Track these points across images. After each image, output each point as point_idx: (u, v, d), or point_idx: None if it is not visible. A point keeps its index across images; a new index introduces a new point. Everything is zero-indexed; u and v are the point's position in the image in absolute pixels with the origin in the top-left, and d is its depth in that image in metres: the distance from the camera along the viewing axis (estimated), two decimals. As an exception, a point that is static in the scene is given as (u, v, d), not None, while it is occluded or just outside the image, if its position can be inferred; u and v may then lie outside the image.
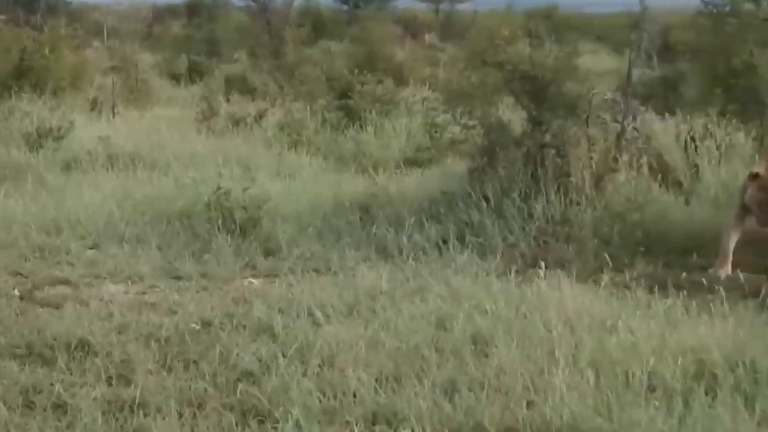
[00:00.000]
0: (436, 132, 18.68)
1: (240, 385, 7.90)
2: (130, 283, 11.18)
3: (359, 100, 21.23)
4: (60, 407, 7.65)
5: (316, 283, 10.67)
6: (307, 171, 17.21)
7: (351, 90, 21.59)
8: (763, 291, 9.74)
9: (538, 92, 13.67)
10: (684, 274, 10.64)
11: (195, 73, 33.27)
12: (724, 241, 11.47)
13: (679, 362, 7.86)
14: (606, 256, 11.54)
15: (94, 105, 24.43)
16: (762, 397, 7.18)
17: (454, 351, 8.43)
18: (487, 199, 12.88)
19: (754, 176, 11.38)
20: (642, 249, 11.99)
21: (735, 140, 15.13)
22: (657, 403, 7.25)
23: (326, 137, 20.36)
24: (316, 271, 11.52)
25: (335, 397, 7.65)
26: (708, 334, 8.31)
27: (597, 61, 32.41)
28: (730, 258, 11.30)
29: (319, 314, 9.34)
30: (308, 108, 22.13)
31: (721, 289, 9.31)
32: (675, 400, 7.31)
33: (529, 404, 7.44)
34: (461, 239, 12.17)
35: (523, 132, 13.66)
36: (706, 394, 7.34)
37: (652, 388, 7.59)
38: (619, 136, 13.91)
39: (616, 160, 13.61)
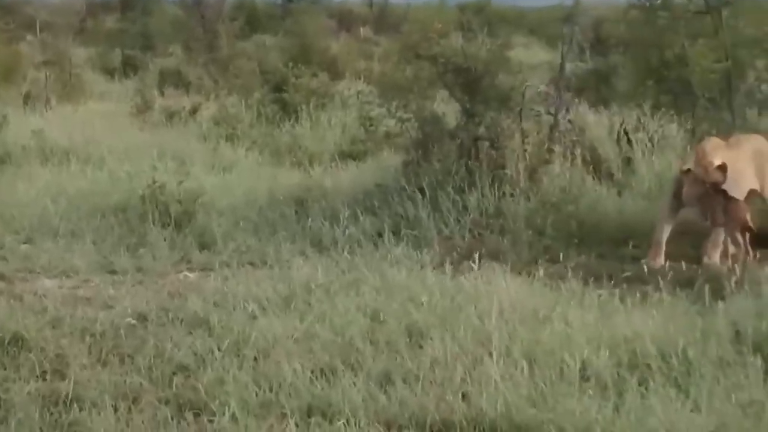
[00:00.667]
0: (371, 125, 18.68)
1: (175, 379, 7.89)
2: (64, 277, 11.10)
3: (294, 93, 21.18)
4: (-6, 402, 7.57)
5: (251, 277, 10.65)
6: (242, 165, 17.14)
7: (286, 84, 21.53)
8: (698, 281, 9.81)
9: (471, 85, 13.72)
10: (618, 265, 10.71)
11: (129, 67, 32.99)
12: (656, 233, 11.57)
13: (613, 353, 7.93)
14: (540, 247, 11.63)
15: (27, 99, 24.20)
16: (694, 386, 7.24)
17: (389, 343, 8.44)
18: (422, 192, 12.90)
19: (686, 172, 11.47)
20: (576, 240, 12.07)
21: (667, 132, 15.25)
22: (591, 393, 7.30)
23: (261, 131, 20.30)
24: (252, 264, 11.49)
25: (271, 390, 7.64)
26: (641, 325, 8.36)
27: (530, 54, 32.54)
28: (663, 249, 11.40)
29: (254, 307, 9.31)
30: (243, 102, 22.06)
31: (659, 279, 9.38)
32: (609, 390, 7.38)
33: (464, 395, 7.46)
34: (396, 232, 12.19)
35: (457, 125, 13.69)
36: (640, 383, 7.40)
37: (586, 378, 7.65)
38: (553, 128, 14.00)
39: (549, 152, 13.70)
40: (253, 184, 14.42)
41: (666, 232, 11.54)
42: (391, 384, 7.68)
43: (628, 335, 8.17)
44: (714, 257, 11.13)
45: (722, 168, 11.25)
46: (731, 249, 11.34)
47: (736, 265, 10.33)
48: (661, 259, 11.27)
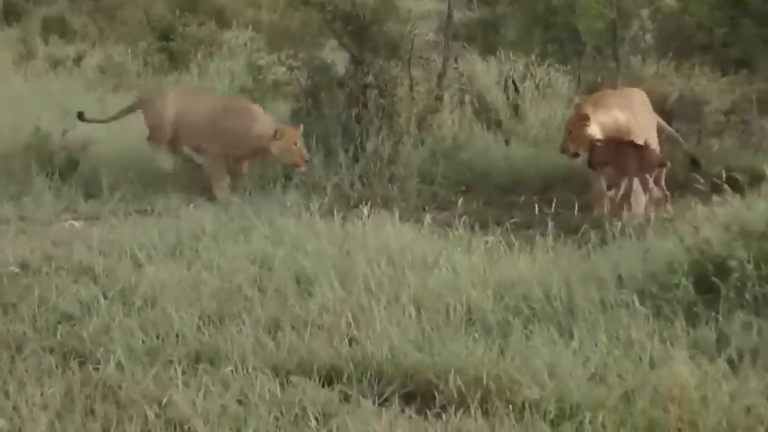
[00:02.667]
0: (259, 74, 18.49)
1: (60, 328, 7.77)
2: (-56, 227, 10.84)
3: (181, 42, 20.90)
4: None
5: (138, 225, 10.55)
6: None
7: (173, 32, 21.24)
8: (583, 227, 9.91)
9: (359, 33, 13.64)
10: (505, 211, 10.80)
11: (11, 15, 32.13)
12: (595, 186, 11.61)
13: (499, 297, 8.03)
14: (429, 195, 11.68)
15: None
16: (578, 328, 7.34)
17: (278, 290, 8.41)
18: (312, 140, 12.81)
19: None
20: (464, 188, 12.12)
21: (554, 80, 15.37)
22: (476, 336, 7.35)
23: (148, 80, 19.98)
24: (139, 213, 11.38)
25: (158, 337, 7.60)
26: (527, 270, 8.46)
27: (418, 3, 32.38)
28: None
29: (141, 256, 9.21)
30: (129, 51, 21.68)
31: (545, 225, 9.46)
32: (494, 333, 7.44)
33: (352, 341, 7.49)
34: (287, 179, 12.14)
35: (346, 73, 13.63)
36: (524, 326, 7.47)
37: (471, 322, 7.71)
38: (441, 76, 14.02)
39: (438, 100, 13.71)
40: (140, 134, 14.18)
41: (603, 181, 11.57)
42: (280, 330, 7.68)
43: (513, 280, 8.26)
44: (638, 208, 11.22)
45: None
46: (656, 193, 11.43)
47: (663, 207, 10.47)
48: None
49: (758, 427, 6.15)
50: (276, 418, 6.48)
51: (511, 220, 10.07)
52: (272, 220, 10.11)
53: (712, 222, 8.37)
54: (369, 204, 10.23)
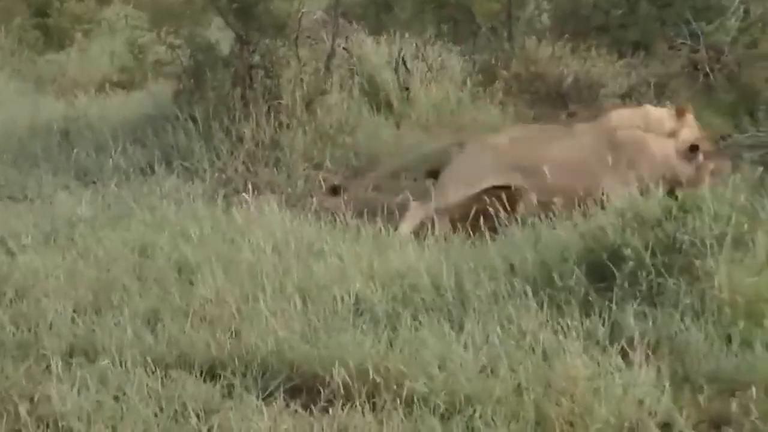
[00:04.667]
0: (140, 53, 18.04)
1: None
2: None
3: (58, 18, 20.32)
4: None
5: (11, 211, 10.15)
6: (2, 94, 16.33)
7: (49, 8, 20.65)
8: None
9: (245, 11, 13.28)
10: (395, 197, 10.61)
11: None
12: None
13: (388, 287, 7.82)
14: (317, 179, 11.44)
15: None
16: (469, 319, 7.16)
17: (158, 280, 8.13)
18: (194, 122, 12.47)
19: None
20: (353, 172, 11.92)
21: (447, 61, 15.21)
22: (364, 328, 7.14)
23: (23, 58, 19.42)
24: (11, 198, 10.97)
25: (30, 330, 7.31)
26: (416, 259, 8.25)
27: (308, -18, 32.19)
28: None
29: (13, 244, 8.86)
30: (3, 27, 21.01)
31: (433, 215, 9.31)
32: (382, 325, 7.23)
33: (235, 333, 7.25)
34: (168, 163, 11.81)
35: (231, 52, 13.28)
36: (414, 318, 7.27)
37: (359, 313, 7.50)
38: (330, 57, 13.76)
39: (326, 81, 13.45)
40: (13, 115, 13.73)
41: None
42: (160, 322, 7.43)
43: (402, 269, 8.05)
44: None
45: None
46: None
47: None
48: None
49: (650, 420, 6.02)
50: (155, 415, 6.25)
51: (401, 207, 9.88)
52: (152, 206, 9.80)
53: (606, 209, 8.25)
54: (253, 189, 9.97)
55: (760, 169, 9.16)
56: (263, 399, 6.45)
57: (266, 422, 6.12)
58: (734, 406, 6.19)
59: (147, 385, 6.52)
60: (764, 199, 8.40)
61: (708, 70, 13.56)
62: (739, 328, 6.94)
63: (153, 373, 6.69)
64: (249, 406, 6.29)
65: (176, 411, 6.28)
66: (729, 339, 6.91)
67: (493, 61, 15.03)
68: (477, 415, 6.07)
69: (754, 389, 6.20)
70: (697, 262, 7.40)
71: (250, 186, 10.19)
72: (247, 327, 7.25)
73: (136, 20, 19.09)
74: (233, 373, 6.75)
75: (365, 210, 9.70)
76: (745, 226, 7.69)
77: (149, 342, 7.13)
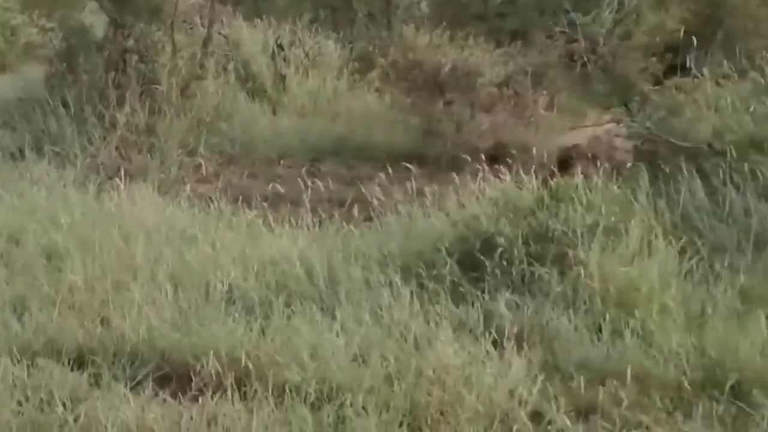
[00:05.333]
0: (12, 35, 17.61)
1: None
2: None
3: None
4: None
5: None
6: None
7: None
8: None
9: (120, -6, 13.07)
10: (270, 185, 10.53)
11: None
12: None
13: (260, 275, 7.76)
14: (191, 166, 11.30)
15: None
16: (341, 308, 7.14)
17: (26, 266, 7.98)
18: (66, 107, 12.21)
19: None
20: (228, 159, 11.81)
21: (324, 48, 15.14)
22: (237, 316, 7.09)
23: None
24: None
25: None
26: (289, 246, 8.19)
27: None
28: None
29: None
30: None
31: (307, 201, 9.24)
32: (255, 313, 7.18)
33: (105, 321, 7.13)
34: (38, 149, 11.54)
35: (105, 36, 13.03)
36: (287, 306, 7.23)
37: (232, 301, 7.44)
38: (206, 42, 13.60)
39: (202, 67, 13.29)
40: None
41: None
42: (27, 310, 7.27)
43: (275, 257, 7.99)
44: None
45: None
46: None
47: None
48: None
49: (521, 410, 6.05)
50: (19, 403, 6.13)
51: (276, 193, 9.80)
52: (21, 192, 9.60)
53: (479, 198, 8.28)
54: (126, 175, 9.80)
55: (633, 159, 9.30)
56: (132, 388, 6.36)
57: (134, 411, 6.00)
58: (606, 395, 6.25)
59: (12, 373, 6.37)
60: (637, 190, 8.54)
61: (584, 60, 13.70)
62: (610, 318, 7.02)
63: (19, 361, 6.53)
64: (117, 395, 6.19)
65: (42, 400, 6.15)
66: (600, 328, 6.99)
67: (370, 49, 15.00)
68: (348, 403, 6.04)
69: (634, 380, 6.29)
70: (569, 252, 7.47)
71: (122, 172, 10.01)
72: (116, 315, 7.13)
73: (7, 2, 18.58)
74: (102, 362, 6.63)
75: (240, 197, 9.58)
76: (618, 215, 7.80)
77: (16, 330, 6.99)
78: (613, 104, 12.10)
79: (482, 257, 7.55)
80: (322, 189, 9.97)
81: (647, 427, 6.00)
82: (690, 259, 7.70)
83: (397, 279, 7.43)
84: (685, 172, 8.71)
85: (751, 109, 9.29)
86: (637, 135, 9.94)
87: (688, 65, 10.96)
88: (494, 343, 6.63)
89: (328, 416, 6.00)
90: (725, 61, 10.61)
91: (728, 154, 8.71)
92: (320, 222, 9.02)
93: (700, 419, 5.98)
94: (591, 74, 13.23)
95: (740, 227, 8.20)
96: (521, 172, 8.75)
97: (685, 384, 6.29)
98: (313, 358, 6.45)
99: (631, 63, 12.20)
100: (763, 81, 9.84)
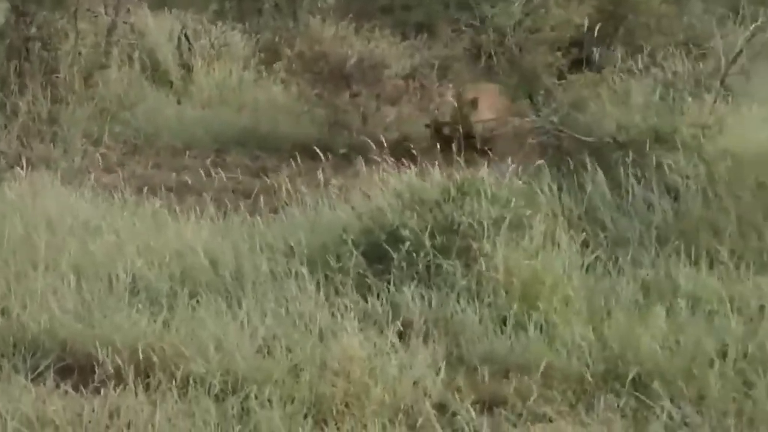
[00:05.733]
0: None
1: None
2: None
3: None
4: None
5: None
6: None
7: None
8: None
9: (19, -19, 12.85)
10: (175, 174, 10.45)
11: None
12: None
13: (165, 265, 7.68)
14: (95, 155, 11.16)
15: None
16: (246, 299, 7.10)
17: None
18: (-36, 95, 11.97)
19: None
20: (132, 149, 11.70)
21: (230, 39, 15.06)
22: (141, 307, 7.01)
23: None
24: None
25: None
26: (194, 237, 8.12)
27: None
28: None
29: None
30: None
31: (212, 190, 9.19)
32: (159, 304, 7.10)
33: (6, 311, 7.04)
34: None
35: (7, 23, 12.80)
36: (191, 297, 7.18)
37: (136, 292, 7.36)
38: (110, 31, 13.44)
39: (106, 55, 13.13)
40: None
41: None
42: None
43: (180, 248, 7.92)
44: None
45: None
46: None
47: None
48: None
49: (425, 401, 6.07)
50: None
51: (183, 183, 9.72)
52: None
53: (385, 190, 8.28)
54: (28, 164, 9.63)
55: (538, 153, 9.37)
56: (32, 379, 6.27)
57: (35, 403, 5.91)
58: (510, 387, 6.30)
59: None
60: (542, 183, 8.61)
61: (491, 53, 13.79)
62: (514, 311, 7.07)
63: None
64: (17, 386, 6.11)
65: (-59, 391, 6.01)
66: (504, 321, 7.04)
67: (276, 40, 14.97)
68: (253, 395, 6.02)
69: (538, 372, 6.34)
70: (474, 244, 7.51)
71: (24, 161, 9.82)
72: (18, 305, 7.03)
73: None
74: (2, 352, 6.55)
75: (144, 187, 9.48)
76: (523, 209, 7.86)
77: None
78: (519, 98, 12.17)
79: (388, 249, 7.56)
80: (228, 180, 9.91)
81: (550, 420, 6.05)
82: (593, 252, 7.79)
83: (303, 270, 7.41)
84: (589, 166, 8.81)
85: (653, 104, 9.42)
86: (542, 129, 10.01)
87: (592, 60, 11.10)
88: (400, 335, 6.66)
89: (233, 408, 5.97)
90: (629, 57, 10.75)
91: (632, 149, 8.82)
92: (226, 213, 8.96)
93: (602, 411, 6.03)
94: (497, 67, 13.33)
95: (643, 221, 8.33)
96: (427, 164, 8.77)
97: (588, 377, 6.37)
98: (218, 350, 6.40)
99: (537, 57, 12.28)
100: (664, 76, 9.99)
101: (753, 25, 10.13)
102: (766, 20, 10.04)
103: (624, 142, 8.97)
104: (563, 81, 10.93)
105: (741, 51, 9.98)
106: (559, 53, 12.14)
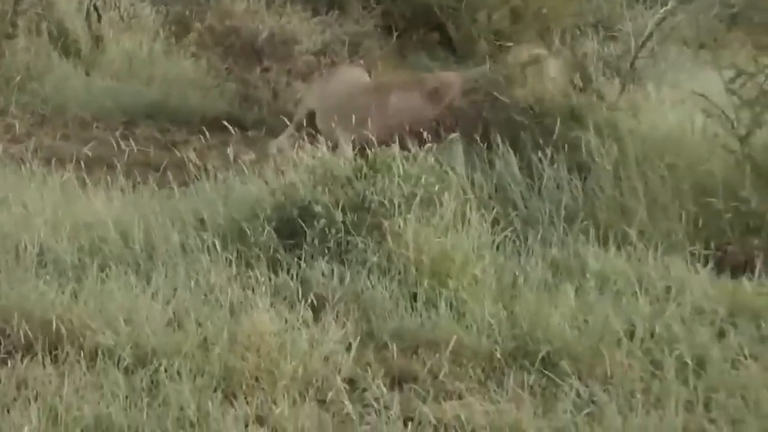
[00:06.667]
0: None
1: None
2: None
3: None
4: None
5: None
6: None
7: None
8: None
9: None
10: (83, 146, 10.32)
11: None
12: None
13: (74, 237, 7.60)
14: (2, 126, 11.01)
15: None
16: (157, 272, 7.07)
17: None
18: None
19: None
20: (40, 120, 11.54)
21: (140, 11, 14.90)
22: (48, 278, 6.93)
23: None
24: None
25: None
26: (104, 209, 8.03)
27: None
28: None
29: None
30: None
31: (122, 164, 9.09)
32: (68, 276, 7.05)
33: None
34: None
35: None
36: (101, 269, 7.11)
37: (44, 264, 7.28)
38: (17, 0, 13.22)
39: (13, 25, 12.91)
40: None
41: None
42: None
43: (89, 220, 7.83)
44: None
45: None
46: None
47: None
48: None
49: (336, 376, 6.08)
50: None
51: (90, 155, 9.60)
52: None
53: (298, 166, 8.27)
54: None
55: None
56: (-62, 352, 6.15)
57: (-62, 376, 5.83)
58: (420, 364, 6.34)
59: None
60: (453, 161, 8.65)
61: (403, 29, 13.89)
62: (425, 288, 7.11)
63: None
64: None
65: None
66: (414, 297, 7.07)
67: (187, 13, 14.84)
68: (162, 368, 5.98)
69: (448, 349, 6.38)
70: (385, 222, 7.53)
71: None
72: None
73: None
74: None
75: (53, 159, 9.35)
76: (434, 186, 7.89)
77: None
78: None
79: (300, 225, 7.56)
80: (137, 152, 9.82)
81: (460, 396, 6.10)
82: (503, 230, 7.85)
83: (215, 244, 7.39)
84: (501, 145, 8.87)
85: (564, 84, 9.49)
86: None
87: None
88: (312, 311, 6.67)
89: (142, 381, 5.92)
90: (541, 39, 10.85)
91: (543, 128, 8.90)
92: (135, 186, 8.88)
93: (511, 389, 6.09)
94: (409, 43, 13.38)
95: (552, 200, 8.39)
96: (340, 140, 8.78)
97: (497, 354, 6.42)
98: (128, 323, 6.35)
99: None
100: (574, 58, 10.09)
101: (663, 9, 10.24)
102: (676, 4, 10.14)
103: (535, 122, 9.02)
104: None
105: (651, 34, 10.08)
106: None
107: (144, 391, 5.87)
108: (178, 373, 5.98)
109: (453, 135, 9.28)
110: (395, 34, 14.50)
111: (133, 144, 9.83)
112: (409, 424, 5.71)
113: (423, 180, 7.87)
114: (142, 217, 7.91)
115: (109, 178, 8.87)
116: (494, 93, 9.42)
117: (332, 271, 7.22)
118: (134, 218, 7.82)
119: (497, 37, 13.99)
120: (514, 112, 9.22)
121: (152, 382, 5.96)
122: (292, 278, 7.16)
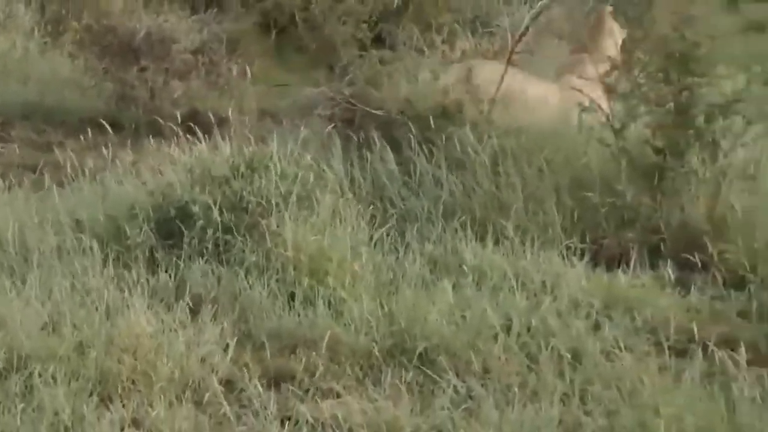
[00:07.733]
0: None
1: None
2: None
3: None
4: None
5: None
6: None
7: None
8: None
9: None
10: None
11: None
12: None
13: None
14: None
15: None
16: (32, 275, 6.94)
17: None
18: None
19: None
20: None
21: (15, 11, 14.65)
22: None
23: None
24: None
25: None
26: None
27: None
28: None
29: None
30: None
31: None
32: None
33: None
34: None
35: None
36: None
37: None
38: None
39: None
40: None
41: None
42: None
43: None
44: None
45: None
46: None
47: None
48: None
49: (212, 378, 6.06)
50: None
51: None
52: None
53: (175, 166, 8.21)
54: None
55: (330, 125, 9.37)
56: None
57: None
58: (298, 363, 6.34)
59: None
60: (331, 158, 8.67)
61: (285, 26, 13.85)
62: (303, 287, 7.10)
63: None
64: None
65: None
66: (292, 296, 7.07)
67: (63, 12, 14.63)
68: (37, 373, 5.90)
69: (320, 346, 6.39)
70: (262, 221, 7.52)
71: None
72: None
73: None
74: None
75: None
76: (311, 184, 7.90)
77: None
78: (318, 69, 12.20)
79: (178, 225, 7.51)
80: (13, 153, 9.67)
81: (338, 395, 6.11)
82: (381, 227, 7.88)
83: (92, 246, 7.31)
84: (378, 142, 8.90)
85: (440, 80, 9.53)
86: (334, 102, 10.01)
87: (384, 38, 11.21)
88: (190, 312, 6.64)
89: (16, 386, 5.84)
90: (421, 35, 10.90)
91: (420, 124, 8.94)
92: (10, 187, 8.74)
93: (389, 386, 6.12)
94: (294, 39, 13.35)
95: (430, 197, 8.45)
96: (218, 139, 8.72)
97: (375, 351, 6.43)
98: (1, 327, 6.27)
99: (338, 29, 12.33)
100: (451, 53, 10.18)
101: (539, 3, 10.37)
102: (551, -1, 10.30)
103: (412, 118, 9.05)
104: (363, 54, 10.95)
105: (527, 29, 10.20)
106: (365, 25, 12.12)
107: (18, 396, 5.79)
108: (53, 377, 5.89)
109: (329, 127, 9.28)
110: (274, 32, 14.48)
111: (7, 145, 9.69)
112: (287, 423, 5.72)
113: (299, 178, 7.86)
114: (17, 219, 7.78)
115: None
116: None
117: (211, 271, 7.21)
118: (8, 220, 7.70)
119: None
120: (390, 110, 9.24)
121: (26, 387, 5.88)
122: (169, 279, 7.12)
